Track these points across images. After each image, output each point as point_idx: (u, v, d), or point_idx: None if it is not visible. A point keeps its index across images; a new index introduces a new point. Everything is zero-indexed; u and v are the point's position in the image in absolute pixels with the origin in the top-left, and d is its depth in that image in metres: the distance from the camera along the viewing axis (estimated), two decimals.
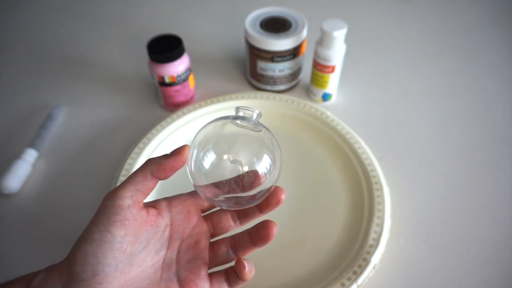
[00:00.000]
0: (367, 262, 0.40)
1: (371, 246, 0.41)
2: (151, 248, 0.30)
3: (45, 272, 0.28)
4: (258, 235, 0.30)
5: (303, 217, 0.46)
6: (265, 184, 0.29)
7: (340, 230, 0.45)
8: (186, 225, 0.32)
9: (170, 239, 0.31)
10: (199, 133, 0.30)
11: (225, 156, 0.29)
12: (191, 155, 0.29)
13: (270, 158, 0.29)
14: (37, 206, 0.48)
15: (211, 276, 0.31)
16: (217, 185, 0.30)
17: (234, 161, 0.29)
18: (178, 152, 0.29)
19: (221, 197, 0.30)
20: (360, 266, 0.40)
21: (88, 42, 0.73)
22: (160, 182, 0.30)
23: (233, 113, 0.32)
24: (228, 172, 0.29)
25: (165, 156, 0.29)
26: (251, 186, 0.29)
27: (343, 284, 0.38)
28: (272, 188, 0.31)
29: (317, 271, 0.41)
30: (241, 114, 0.31)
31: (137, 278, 0.28)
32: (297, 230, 0.45)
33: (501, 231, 0.45)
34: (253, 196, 0.30)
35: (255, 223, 0.31)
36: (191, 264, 0.31)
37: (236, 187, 0.29)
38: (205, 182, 0.30)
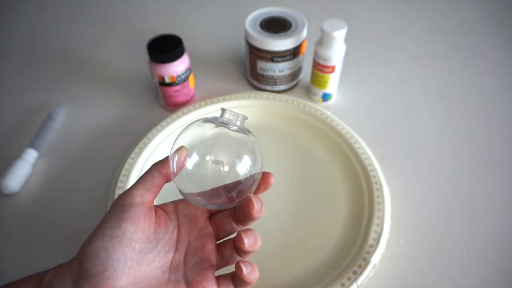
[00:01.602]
0: (367, 262, 0.40)
1: (371, 246, 0.41)
2: (160, 249, 0.30)
3: (55, 269, 0.28)
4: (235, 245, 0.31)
5: (303, 217, 0.46)
6: (245, 184, 0.30)
7: (340, 230, 0.45)
8: (192, 227, 0.32)
9: (178, 241, 0.32)
10: (180, 135, 0.30)
11: (207, 157, 0.29)
12: (172, 158, 0.30)
13: (250, 162, 0.30)
14: (37, 206, 0.48)
15: (218, 278, 0.31)
16: (200, 194, 0.30)
17: (215, 162, 0.29)
18: (177, 150, 0.30)
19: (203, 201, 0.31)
20: (360, 266, 0.40)
21: (88, 42, 0.73)
22: (163, 188, 0.31)
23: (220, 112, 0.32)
24: (210, 172, 0.29)
25: (168, 156, 0.30)
26: (232, 189, 0.29)
27: (343, 284, 0.38)
28: (251, 191, 0.31)
29: (317, 271, 0.41)
30: (226, 116, 0.31)
31: (146, 277, 0.29)
32: (297, 230, 0.45)
33: (501, 231, 0.45)
34: (231, 199, 0.30)
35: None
36: (199, 266, 0.31)
37: (219, 195, 0.30)
38: (187, 182, 0.30)
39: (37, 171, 0.52)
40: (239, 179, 0.29)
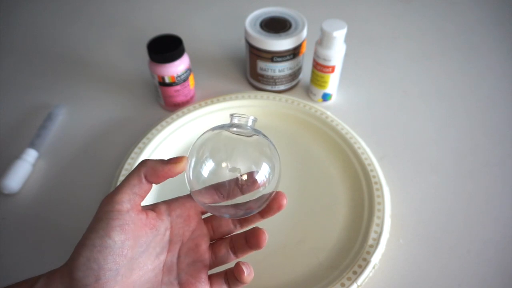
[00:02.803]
0: (367, 262, 0.40)
1: (371, 246, 0.41)
2: (151, 251, 0.30)
3: (46, 277, 0.28)
4: (251, 242, 0.31)
5: (303, 217, 0.46)
6: (264, 191, 0.29)
7: (340, 230, 0.45)
8: (186, 228, 0.32)
9: (171, 242, 0.31)
10: (196, 142, 0.30)
11: (224, 164, 0.29)
12: (189, 164, 0.29)
13: (269, 165, 0.29)
14: (37, 206, 0.48)
15: (211, 278, 0.31)
16: (214, 191, 0.30)
17: (232, 169, 0.28)
18: (175, 161, 0.29)
19: (220, 204, 0.30)
20: (360, 266, 0.40)
21: (89, 42, 0.73)
22: (159, 184, 0.30)
23: (229, 118, 0.32)
24: (227, 180, 0.29)
25: (161, 162, 0.29)
26: (249, 189, 0.29)
27: (343, 284, 0.38)
28: (273, 194, 0.30)
29: (317, 271, 0.41)
30: (236, 121, 0.30)
31: (138, 282, 0.29)
32: (297, 230, 0.45)
33: (501, 231, 0.45)
34: (252, 204, 0.30)
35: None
36: (192, 267, 0.31)
37: (234, 192, 0.29)
38: (203, 191, 0.30)
39: (37, 171, 0.52)
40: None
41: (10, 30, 0.76)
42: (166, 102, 0.57)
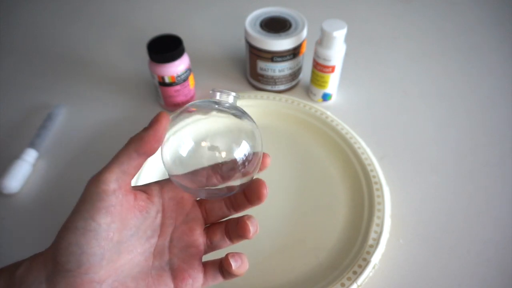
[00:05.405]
0: (367, 262, 0.40)
1: (371, 246, 0.41)
2: (141, 235, 0.28)
3: (29, 262, 0.27)
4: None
5: (303, 217, 0.46)
6: (245, 172, 0.28)
7: (340, 230, 0.45)
8: (179, 211, 0.30)
9: (162, 225, 0.30)
10: (174, 120, 0.29)
11: (203, 143, 0.27)
12: (165, 143, 0.28)
13: (250, 145, 0.27)
14: (37, 206, 0.48)
15: (205, 265, 0.30)
16: (193, 175, 0.28)
17: (211, 148, 0.27)
18: (156, 120, 0.27)
19: (199, 189, 0.29)
20: (360, 266, 0.40)
21: (89, 42, 0.73)
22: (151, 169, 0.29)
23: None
24: (205, 159, 0.27)
25: (145, 129, 0.27)
26: (230, 175, 0.28)
27: (343, 284, 0.38)
28: (253, 177, 0.29)
29: (317, 271, 0.41)
30: (217, 97, 0.29)
31: (127, 266, 0.27)
32: (297, 230, 0.45)
33: (501, 231, 0.45)
34: (232, 187, 0.28)
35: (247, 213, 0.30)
36: (185, 252, 0.29)
37: (214, 177, 0.28)
38: (181, 171, 0.28)
39: (37, 171, 0.52)
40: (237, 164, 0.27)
41: (10, 30, 0.76)
42: (166, 102, 0.57)
